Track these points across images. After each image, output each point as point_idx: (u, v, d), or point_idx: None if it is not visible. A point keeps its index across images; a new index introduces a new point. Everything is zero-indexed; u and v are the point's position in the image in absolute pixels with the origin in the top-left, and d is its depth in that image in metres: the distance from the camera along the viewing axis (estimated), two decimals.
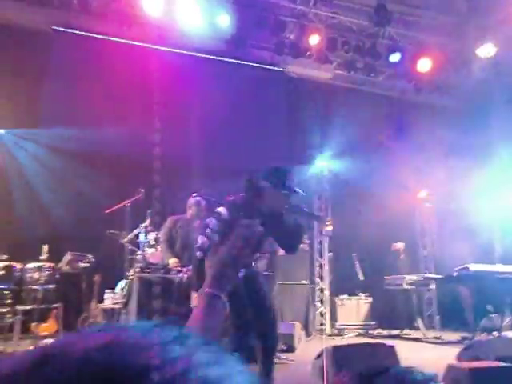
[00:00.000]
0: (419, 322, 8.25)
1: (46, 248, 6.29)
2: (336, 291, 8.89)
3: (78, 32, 7.90)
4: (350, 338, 7.83)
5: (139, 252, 6.11)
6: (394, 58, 9.10)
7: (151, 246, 6.22)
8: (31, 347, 3.88)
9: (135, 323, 0.42)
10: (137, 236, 6.29)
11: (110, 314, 6.11)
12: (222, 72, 8.43)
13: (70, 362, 0.37)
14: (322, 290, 9.00)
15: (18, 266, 6.33)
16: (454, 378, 2.92)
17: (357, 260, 8.76)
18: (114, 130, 7.42)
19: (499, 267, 7.16)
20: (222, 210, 3.41)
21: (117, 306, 6.22)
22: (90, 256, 6.75)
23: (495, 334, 6.75)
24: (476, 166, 8.32)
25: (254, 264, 4.26)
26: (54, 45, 7.78)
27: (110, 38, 7.91)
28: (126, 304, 5.98)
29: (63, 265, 6.62)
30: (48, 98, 7.53)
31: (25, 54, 7.50)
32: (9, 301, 6.07)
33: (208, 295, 1.14)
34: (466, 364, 3.06)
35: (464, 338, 6.92)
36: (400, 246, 9.17)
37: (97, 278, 6.68)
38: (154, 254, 6.12)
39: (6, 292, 6.11)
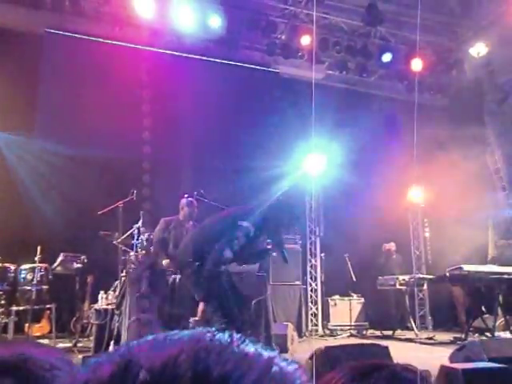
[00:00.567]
0: (412, 323, 8.26)
1: (39, 249, 6.27)
2: (328, 292, 8.89)
3: (71, 34, 7.88)
4: (343, 339, 7.86)
5: (132, 253, 6.09)
6: (386, 57, 9.13)
7: (144, 247, 6.20)
8: None
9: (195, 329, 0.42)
10: (131, 237, 6.27)
11: (103, 314, 6.08)
12: (214, 73, 8.43)
13: (161, 372, 0.36)
14: (314, 291, 9.01)
15: (12, 266, 6.37)
16: (447, 378, 2.93)
17: (349, 260, 8.76)
18: (106, 131, 7.41)
19: (492, 267, 7.17)
20: (247, 225, 3.57)
21: (110, 307, 6.19)
22: (83, 257, 6.75)
23: (488, 334, 6.78)
24: (468, 164, 8.36)
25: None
26: (47, 47, 7.76)
27: (102, 40, 7.89)
28: (119, 305, 5.96)
29: (56, 266, 6.61)
30: (41, 101, 7.51)
31: (18, 56, 7.48)
32: (3, 301, 6.10)
33: None
34: (459, 365, 3.07)
35: (457, 339, 6.94)
36: (391, 245, 9.19)
37: (90, 278, 6.69)
38: None
39: (0, 293, 6.14)
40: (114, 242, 6.22)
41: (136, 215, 6.35)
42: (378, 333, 8.42)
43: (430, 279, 8.22)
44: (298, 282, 8.13)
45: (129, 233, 6.28)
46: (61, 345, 6.17)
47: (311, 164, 9.00)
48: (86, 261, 6.75)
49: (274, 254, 5.92)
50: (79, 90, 7.56)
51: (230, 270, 4.93)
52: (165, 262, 5.78)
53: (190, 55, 8.52)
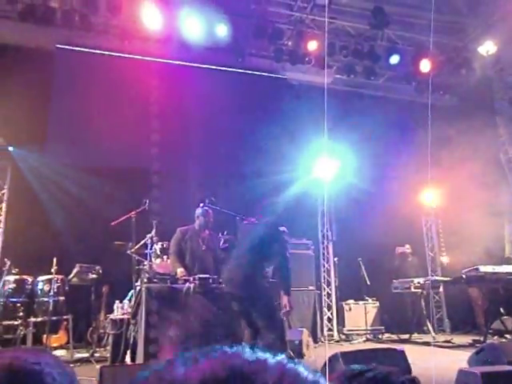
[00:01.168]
0: (429, 326, 8.16)
1: (55, 260, 6.34)
2: (342, 296, 8.84)
3: (81, 49, 8.02)
4: (359, 344, 7.79)
5: (146, 262, 6.12)
6: (394, 60, 9.10)
7: (158, 256, 6.25)
8: None
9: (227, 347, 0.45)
10: (145, 246, 6.31)
11: (118, 324, 6.12)
12: (222, 81, 8.49)
13: None
14: (328, 296, 8.97)
15: (29, 278, 6.47)
16: (466, 382, 2.89)
17: (362, 264, 8.71)
18: (117, 142, 7.49)
19: (510, 268, 7.04)
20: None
21: (125, 317, 6.23)
22: (97, 267, 6.84)
23: (508, 336, 6.68)
24: (480, 164, 8.28)
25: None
26: (59, 63, 7.89)
27: (112, 54, 8.01)
28: (134, 315, 5.98)
29: (72, 277, 6.68)
30: (53, 115, 7.64)
31: (30, 72, 7.59)
32: (21, 313, 6.19)
33: None
34: (478, 368, 3.02)
35: (475, 342, 6.85)
36: (406, 248, 9.11)
37: (105, 289, 6.75)
38: (161, 264, 6.15)
39: (18, 305, 6.22)
40: (128, 252, 6.27)
41: (149, 225, 6.40)
42: (394, 337, 8.34)
43: (446, 281, 8.11)
44: (311, 288, 8.09)
45: (142, 242, 6.32)
46: (78, 355, 6.23)
47: (323, 169, 8.99)
48: (100, 271, 6.84)
49: None
50: (90, 102, 7.67)
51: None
52: (179, 270, 5.80)
53: (198, 65, 8.60)
